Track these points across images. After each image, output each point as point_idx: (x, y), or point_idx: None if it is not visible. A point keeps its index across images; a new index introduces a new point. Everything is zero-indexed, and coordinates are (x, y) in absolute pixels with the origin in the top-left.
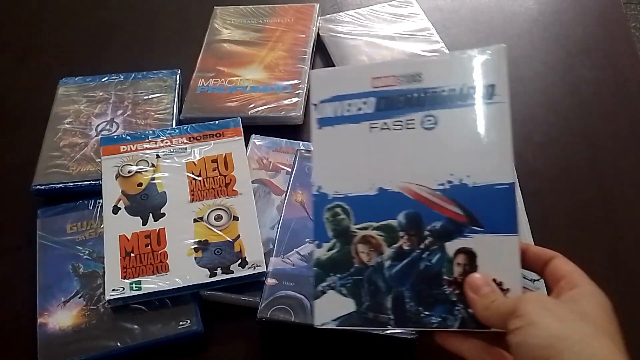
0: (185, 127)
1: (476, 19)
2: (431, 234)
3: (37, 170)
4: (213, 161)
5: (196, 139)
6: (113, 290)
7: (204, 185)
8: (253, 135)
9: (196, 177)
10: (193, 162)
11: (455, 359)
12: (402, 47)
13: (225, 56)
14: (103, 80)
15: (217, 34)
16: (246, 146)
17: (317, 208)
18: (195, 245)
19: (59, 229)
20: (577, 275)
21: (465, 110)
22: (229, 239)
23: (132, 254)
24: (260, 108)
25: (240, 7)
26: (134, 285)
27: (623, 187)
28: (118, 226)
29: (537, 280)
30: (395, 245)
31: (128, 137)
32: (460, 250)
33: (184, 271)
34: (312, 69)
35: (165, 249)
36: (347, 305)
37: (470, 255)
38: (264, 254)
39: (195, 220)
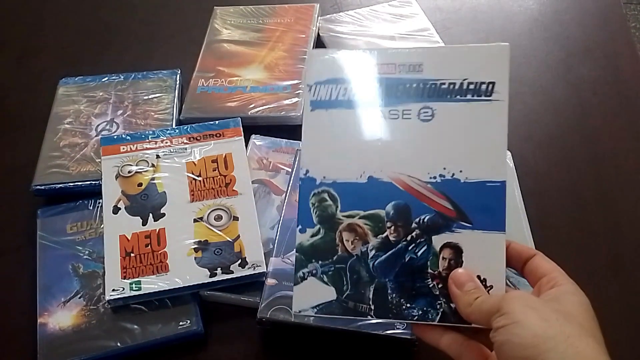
0: (185, 127)
1: (476, 18)
2: (419, 226)
3: (37, 170)
4: (213, 161)
5: (196, 139)
6: (113, 290)
7: (204, 185)
8: (253, 135)
9: (196, 177)
10: (193, 162)
11: None
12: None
13: (225, 56)
14: (103, 80)
15: (217, 34)
16: (246, 146)
17: (303, 192)
18: (195, 245)
19: (59, 229)
20: (558, 274)
21: (464, 105)
22: (229, 239)
23: (132, 254)
24: (260, 108)
25: (240, 7)
26: (134, 285)
27: (623, 187)
28: (118, 226)
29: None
30: (381, 236)
31: (128, 137)
32: (447, 245)
33: (184, 271)
34: None
35: (165, 249)
36: (328, 293)
37: (456, 250)
38: (264, 254)
39: (195, 220)
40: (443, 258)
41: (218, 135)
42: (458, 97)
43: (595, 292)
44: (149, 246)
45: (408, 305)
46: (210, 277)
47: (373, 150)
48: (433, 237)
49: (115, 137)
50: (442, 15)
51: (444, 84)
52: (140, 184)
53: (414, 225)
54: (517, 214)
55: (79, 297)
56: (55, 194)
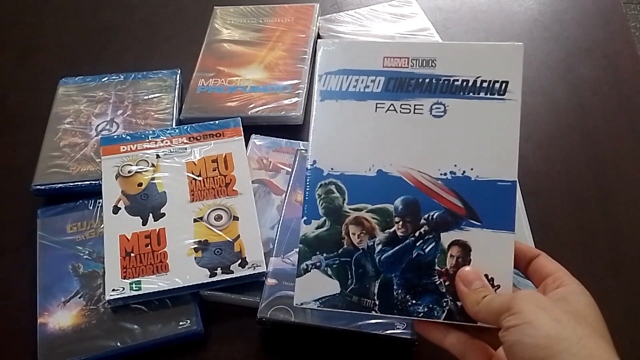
0: (185, 127)
1: (476, 18)
2: (427, 222)
3: (37, 170)
4: (213, 161)
5: (196, 139)
6: (113, 290)
7: (204, 185)
8: (253, 135)
9: (196, 177)
10: (193, 162)
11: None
12: None
13: (225, 56)
14: (103, 80)
15: (217, 34)
16: (246, 146)
17: (310, 183)
18: (195, 245)
19: (59, 229)
20: (563, 274)
21: (477, 103)
22: (229, 239)
23: (132, 254)
24: (260, 108)
25: (240, 7)
26: (134, 285)
27: (623, 187)
28: (118, 226)
29: None
30: (388, 230)
31: (128, 137)
32: (455, 242)
33: (184, 271)
34: (312, 69)
35: (165, 249)
36: (331, 287)
37: (464, 248)
38: (264, 254)
39: (195, 220)
40: (451, 255)
41: (218, 135)
42: (471, 94)
43: (595, 292)
44: (149, 246)
45: (414, 301)
46: (210, 277)
47: (383, 143)
48: (441, 234)
49: (115, 137)
50: (442, 15)
51: (457, 80)
52: (140, 184)
53: (422, 221)
54: (517, 213)
55: (79, 297)
56: (55, 194)
